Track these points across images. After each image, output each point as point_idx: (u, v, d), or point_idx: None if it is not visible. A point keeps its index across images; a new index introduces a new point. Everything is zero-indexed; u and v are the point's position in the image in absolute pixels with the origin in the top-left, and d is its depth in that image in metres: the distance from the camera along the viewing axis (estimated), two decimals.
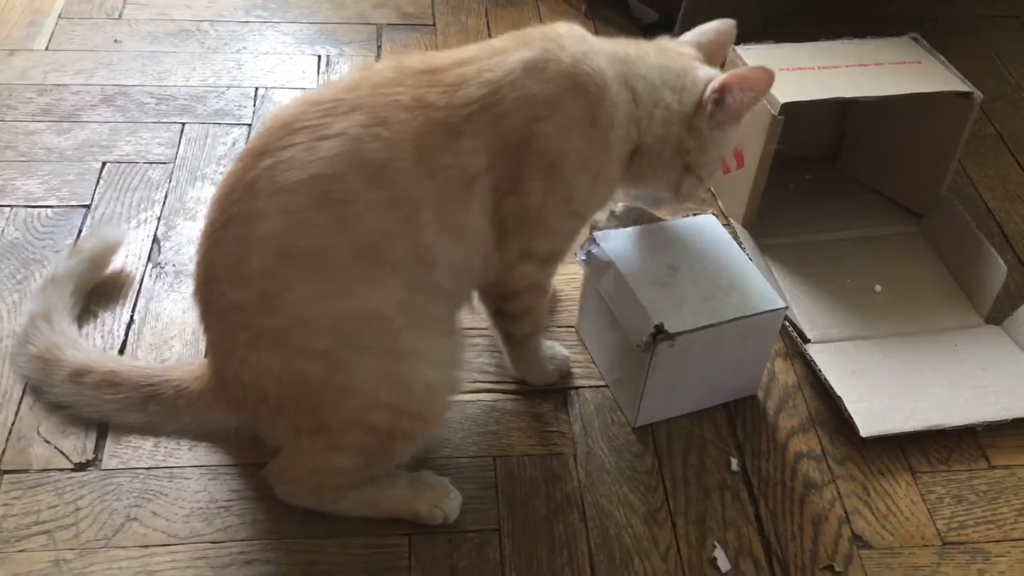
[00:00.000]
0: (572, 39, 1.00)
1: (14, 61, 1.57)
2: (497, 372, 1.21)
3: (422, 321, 0.95)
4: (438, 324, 0.99)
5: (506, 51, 0.98)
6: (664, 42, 1.11)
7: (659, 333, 1.05)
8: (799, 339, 1.27)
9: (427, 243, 0.93)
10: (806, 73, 1.40)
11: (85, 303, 1.21)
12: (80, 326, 1.19)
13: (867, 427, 1.16)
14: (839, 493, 1.11)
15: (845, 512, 1.09)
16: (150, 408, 1.06)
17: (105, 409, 1.06)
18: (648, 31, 1.80)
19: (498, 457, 1.12)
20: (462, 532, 1.04)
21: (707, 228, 1.20)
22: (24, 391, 1.11)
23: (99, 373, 1.06)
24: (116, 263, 1.26)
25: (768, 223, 1.44)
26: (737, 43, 1.44)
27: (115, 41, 1.63)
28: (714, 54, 1.11)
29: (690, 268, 1.13)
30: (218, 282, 0.94)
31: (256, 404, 0.98)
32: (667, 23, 1.74)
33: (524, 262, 1.04)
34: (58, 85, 1.53)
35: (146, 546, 1.00)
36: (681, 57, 1.08)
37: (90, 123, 1.47)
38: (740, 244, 1.37)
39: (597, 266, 1.15)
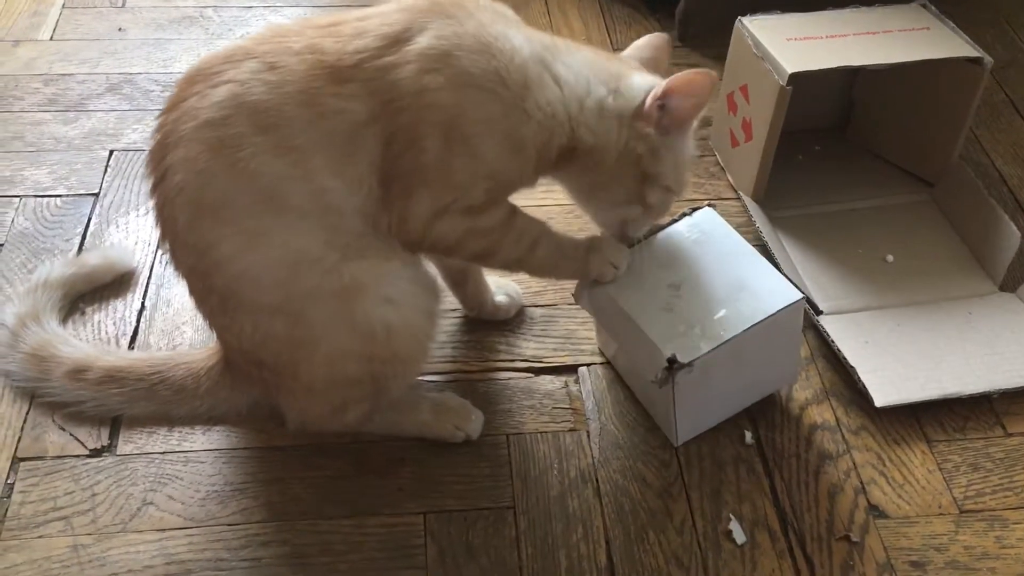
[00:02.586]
0: (488, 12, 0.97)
1: (19, 52, 1.57)
2: (507, 351, 1.21)
3: (360, 253, 0.95)
4: (380, 253, 0.97)
5: (412, 9, 0.95)
6: (600, 49, 1.08)
7: (673, 365, 1.00)
8: (811, 311, 1.26)
9: (324, 187, 0.93)
10: (814, 42, 1.38)
11: (97, 291, 1.22)
12: (91, 314, 1.19)
13: (882, 397, 1.15)
14: (854, 463, 1.11)
15: (861, 482, 1.09)
16: (160, 394, 1.07)
17: (111, 403, 1.07)
18: (655, 6, 1.79)
19: (511, 435, 1.12)
20: (477, 510, 1.04)
21: (705, 224, 1.13)
22: None
23: (101, 368, 1.06)
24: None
25: (778, 195, 1.43)
26: (744, 14, 1.44)
27: (119, 29, 1.63)
28: (652, 70, 1.07)
29: (693, 281, 1.07)
30: (173, 248, 0.97)
31: (258, 369, 1.00)
32: None
33: (441, 219, 0.96)
34: (64, 75, 1.53)
35: (163, 529, 1.00)
36: (615, 60, 1.05)
37: (96, 112, 1.47)
38: (752, 221, 1.37)
39: (598, 306, 1.10)
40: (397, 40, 0.93)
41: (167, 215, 0.95)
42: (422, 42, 0.92)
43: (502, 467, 1.09)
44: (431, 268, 1.11)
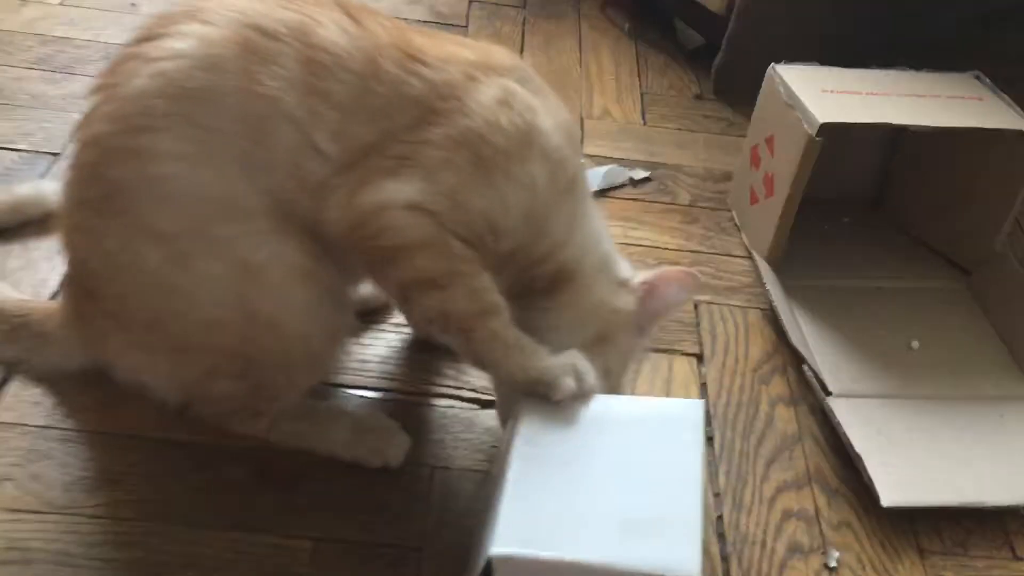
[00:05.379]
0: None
1: (24, 11, 1.51)
2: (455, 378, 1.07)
3: (292, 237, 0.84)
4: (310, 250, 0.85)
5: (514, 67, 0.91)
6: None
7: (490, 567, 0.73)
8: (819, 389, 1.10)
9: (317, 148, 0.83)
10: (852, 97, 1.26)
11: (21, 249, 1.12)
12: (13, 272, 1.10)
13: (889, 495, 0.98)
14: (828, 563, 0.94)
15: None
16: (20, 340, 0.96)
17: None
18: (693, 57, 1.68)
19: (437, 468, 0.98)
20: (378, 545, 0.90)
21: (680, 419, 0.84)
22: None
23: None
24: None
25: (795, 263, 1.29)
26: (779, 62, 1.32)
27: (132, 4, 1.57)
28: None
29: (613, 473, 0.79)
30: (97, 108, 0.84)
31: (89, 302, 0.89)
32: (712, 48, 1.63)
33: (414, 214, 0.82)
34: (62, 38, 1.47)
35: (15, 510, 0.87)
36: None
37: (84, 77, 1.40)
38: (761, 283, 1.23)
39: (508, 436, 0.84)
40: (490, 68, 0.88)
41: (125, 71, 0.83)
42: (512, 86, 0.88)
43: (419, 502, 0.94)
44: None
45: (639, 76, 1.63)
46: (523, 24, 1.71)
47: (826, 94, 1.25)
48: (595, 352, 0.88)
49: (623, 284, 0.93)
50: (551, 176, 0.87)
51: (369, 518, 0.92)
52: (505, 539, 0.73)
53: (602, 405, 0.84)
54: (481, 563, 0.73)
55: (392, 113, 0.85)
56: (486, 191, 0.85)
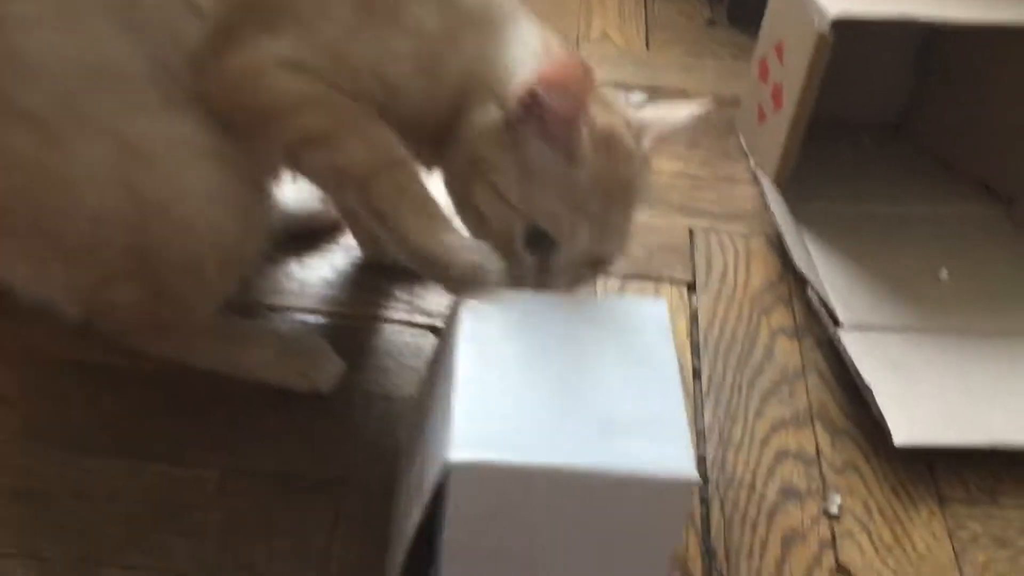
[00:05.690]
0: None
1: None
2: (407, 302, 0.95)
3: (181, 107, 0.72)
4: (203, 122, 0.73)
5: None
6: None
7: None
8: (827, 318, 0.96)
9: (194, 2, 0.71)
10: None
11: None
12: None
13: (903, 434, 0.84)
14: (829, 509, 0.80)
15: (832, 534, 0.78)
16: None
17: None
18: None
19: (376, 396, 0.85)
20: (297, 477, 0.78)
21: (648, 316, 0.71)
22: None
23: None
24: None
25: (807, 187, 1.13)
26: None
27: None
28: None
29: (581, 374, 0.66)
30: None
31: None
32: None
33: (292, 74, 0.71)
34: None
35: None
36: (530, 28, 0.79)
37: None
38: (767, 207, 1.09)
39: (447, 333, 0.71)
40: None
41: None
42: None
43: (350, 433, 0.82)
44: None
45: (645, 5, 1.49)
46: None
47: None
48: (474, 176, 0.74)
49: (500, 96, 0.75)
50: (441, 15, 0.75)
51: (290, 448, 0.80)
52: (464, 443, 0.59)
53: (550, 304, 0.71)
54: (432, 479, 0.59)
55: None
56: (369, 40, 0.73)
